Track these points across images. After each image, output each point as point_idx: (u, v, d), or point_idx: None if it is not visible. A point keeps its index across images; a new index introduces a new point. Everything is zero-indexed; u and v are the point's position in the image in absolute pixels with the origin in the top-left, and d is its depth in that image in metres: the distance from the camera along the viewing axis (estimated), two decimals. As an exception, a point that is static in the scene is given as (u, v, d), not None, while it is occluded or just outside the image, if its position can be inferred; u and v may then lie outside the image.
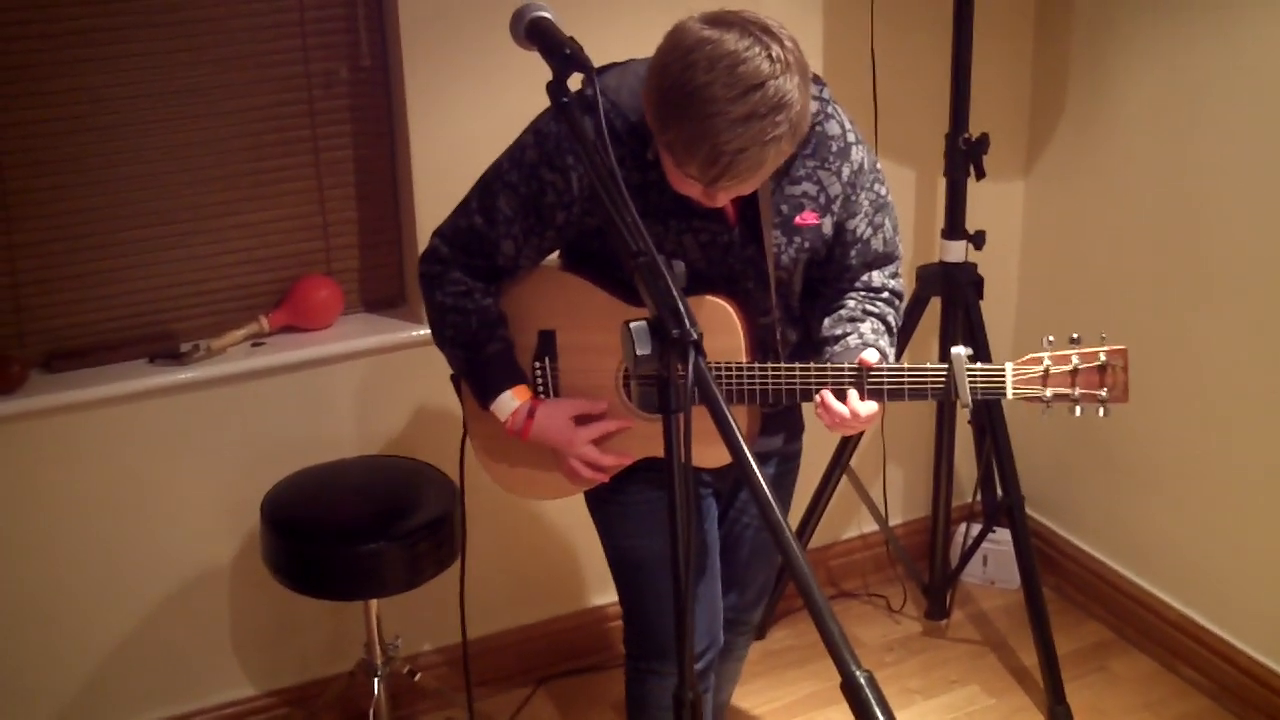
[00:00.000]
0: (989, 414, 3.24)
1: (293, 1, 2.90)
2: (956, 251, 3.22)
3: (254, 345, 3.00)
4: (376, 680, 2.93)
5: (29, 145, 2.77)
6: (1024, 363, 2.20)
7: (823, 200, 2.22)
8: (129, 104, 2.82)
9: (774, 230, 2.19)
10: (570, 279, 2.30)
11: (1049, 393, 2.21)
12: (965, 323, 3.22)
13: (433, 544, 2.73)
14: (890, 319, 2.32)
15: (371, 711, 2.92)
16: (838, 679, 1.37)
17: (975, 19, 3.09)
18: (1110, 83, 3.33)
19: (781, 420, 2.46)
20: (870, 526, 3.77)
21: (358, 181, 3.07)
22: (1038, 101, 3.58)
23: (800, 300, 2.34)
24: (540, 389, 2.34)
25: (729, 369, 2.21)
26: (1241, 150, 3.01)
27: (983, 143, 3.12)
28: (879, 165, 2.31)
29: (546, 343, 2.32)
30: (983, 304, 3.23)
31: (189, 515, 2.99)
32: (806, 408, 2.54)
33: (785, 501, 2.66)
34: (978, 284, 3.23)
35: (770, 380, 2.20)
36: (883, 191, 2.30)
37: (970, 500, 3.71)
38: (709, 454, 2.14)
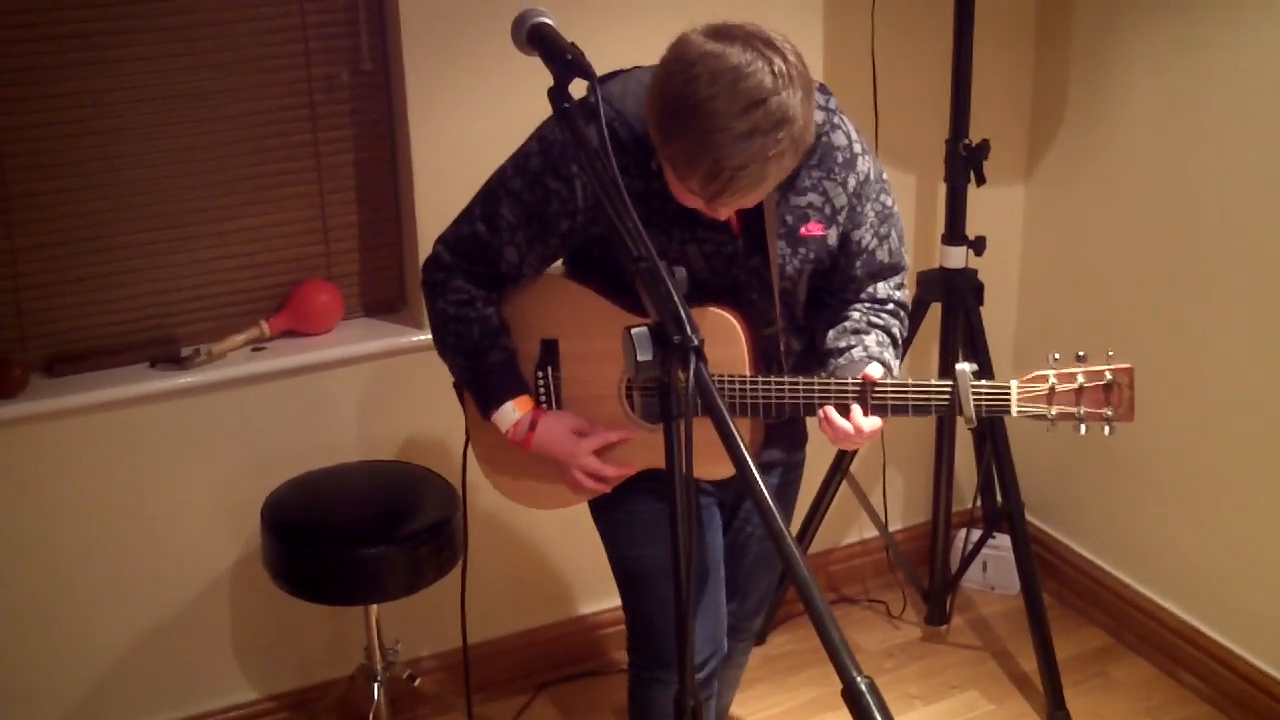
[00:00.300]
0: (989, 421, 3.24)
1: (294, 6, 2.90)
2: (957, 257, 3.22)
3: (255, 350, 3.00)
4: (376, 685, 2.92)
5: (31, 149, 2.77)
6: (1028, 380, 2.20)
7: (828, 211, 2.21)
8: (131, 108, 2.82)
9: (779, 241, 2.18)
10: (574, 287, 2.30)
11: (1054, 411, 2.20)
12: (965, 328, 3.22)
13: (433, 549, 2.73)
14: (895, 331, 2.32)
15: (371, 716, 2.92)
16: (838, 684, 1.37)
17: (976, 24, 3.09)
18: (1110, 88, 3.33)
19: (786, 430, 2.46)
20: (870, 532, 3.77)
21: (358, 186, 3.08)
22: (1038, 107, 3.58)
23: (805, 310, 2.34)
24: (542, 398, 2.34)
25: (731, 381, 2.20)
26: (1242, 155, 3.01)
27: (983, 148, 3.12)
28: (885, 175, 2.30)
29: (549, 351, 2.32)
30: (983, 310, 3.24)
31: (189, 519, 2.99)
32: (811, 419, 2.56)
33: (788, 511, 2.66)
34: (978, 290, 3.24)
35: (774, 394, 2.19)
36: (889, 202, 2.30)
37: (970, 506, 3.71)
38: (712, 468, 2.13)
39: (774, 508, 1.50)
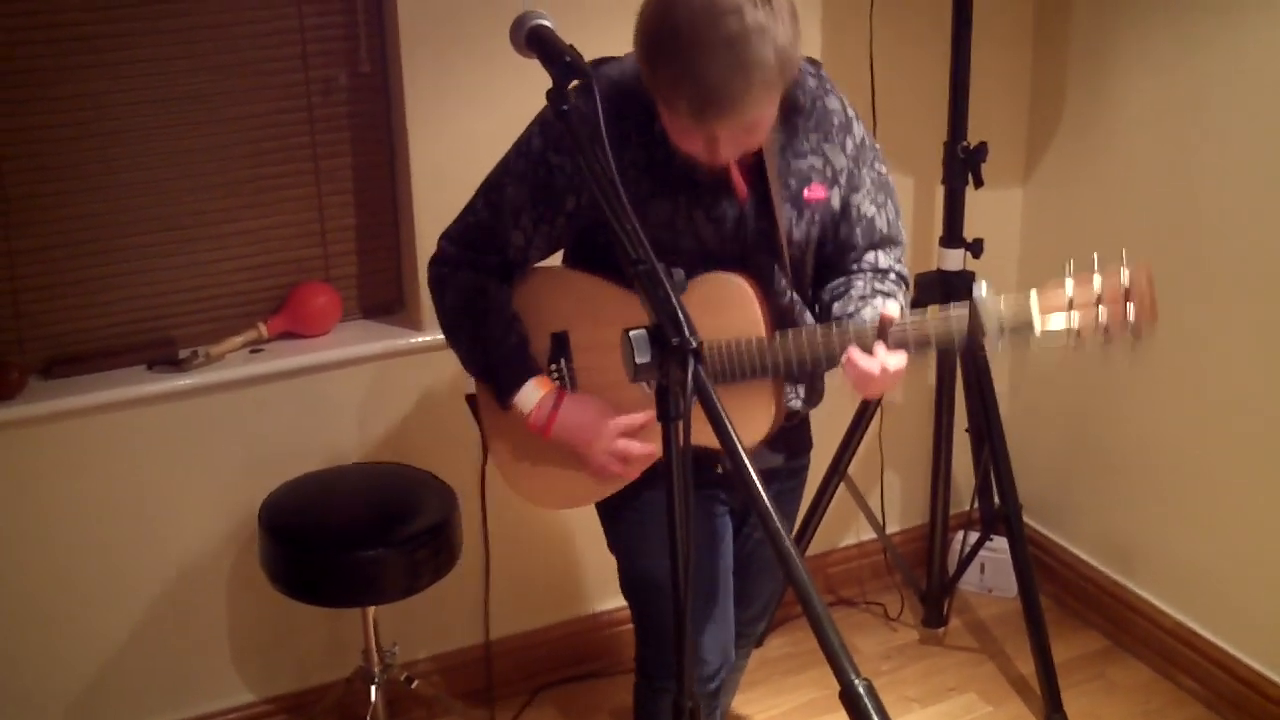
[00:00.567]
0: (987, 421, 3.25)
1: (293, 9, 2.90)
2: (954, 260, 3.22)
3: (253, 352, 3.01)
4: (374, 687, 2.92)
5: (30, 151, 2.77)
6: (1047, 290, 2.16)
7: (829, 174, 2.24)
8: (130, 110, 2.82)
9: (784, 205, 2.21)
10: (577, 277, 2.30)
11: (1076, 319, 2.14)
12: (963, 331, 3.22)
13: (431, 551, 2.73)
14: (899, 298, 2.32)
15: (368, 718, 2.92)
16: (836, 686, 1.37)
17: (974, 27, 3.09)
18: (1109, 90, 3.33)
19: (791, 435, 2.45)
20: (868, 534, 3.77)
21: (357, 188, 3.08)
22: (1036, 109, 3.58)
23: (812, 287, 2.35)
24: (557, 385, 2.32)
25: (750, 344, 2.19)
26: (1241, 156, 3.01)
27: (981, 151, 3.12)
28: (878, 146, 2.34)
29: (560, 345, 2.32)
30: (980, 312, 3.24)
31: (187, 521, 2.99)
32: (816, 423, 2.55)
33: (790, 515, 2.66)
34: (976, 292, 3.24)
35: (793, 349, 2.18)
36: (884, 170, 2.34)
37: (968, 508, 3.71)
38: (743, 432, 2.17)
39: (772, 510, 1.50)
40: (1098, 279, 2.14)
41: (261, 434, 3.00)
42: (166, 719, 3.09)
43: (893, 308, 2.17)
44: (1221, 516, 3.21)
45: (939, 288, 3.23)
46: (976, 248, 3.19)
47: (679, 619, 1.63)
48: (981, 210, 3.34)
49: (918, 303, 3.25)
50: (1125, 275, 2.14)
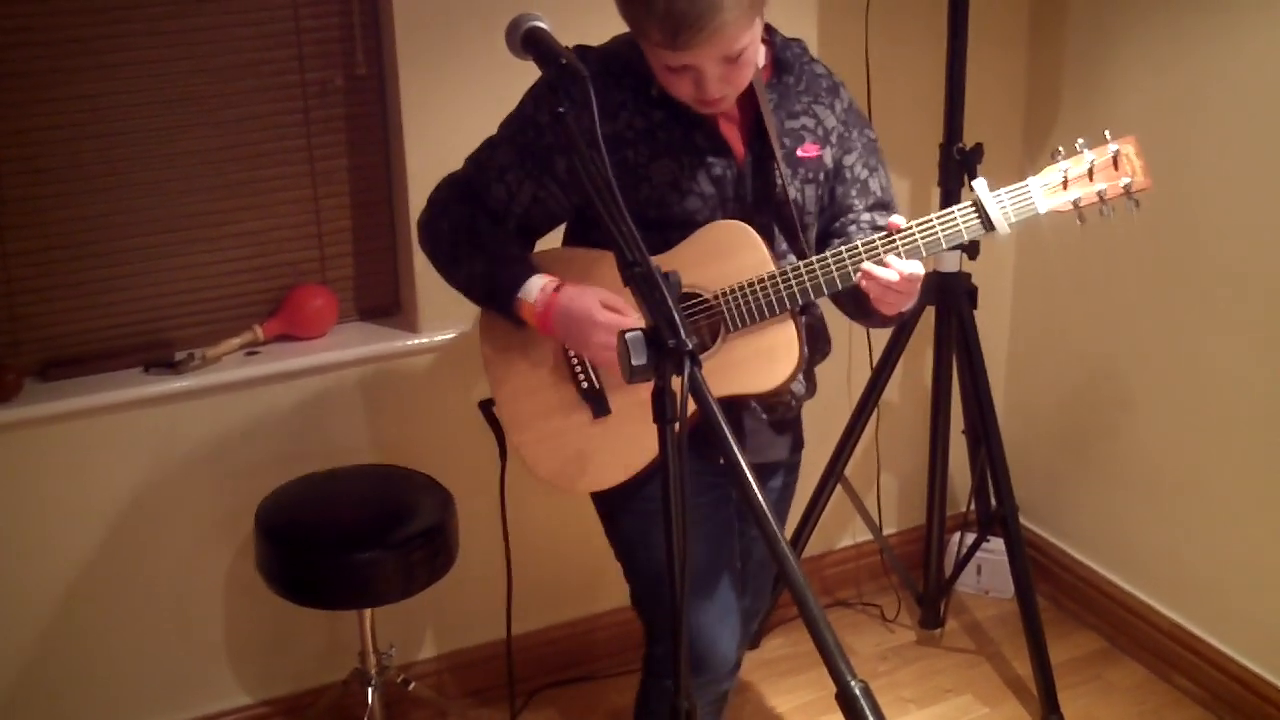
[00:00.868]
0: (983, 422, 3.25)
1: (289, 11, 2.90)
2: (951, 261, 3.22)
3: (249, 354, 3.00)
4: (370, 689, 2.92)
5: (26, 153, 2.77)
6: (1043, 174, 2.26)
7: (820, 133, 2.30)
8: (126, 112, 2.82)
9: (780, 164, 2.25)
10: (575, 252, 2.32)
11: (1076, 194, 2.26)
12: (959, 332, 3.23)
13: (427, 553, 2.73)
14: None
15: (366, 720, 2.93)
16: (833, 688, 1.37)
17: (970, 28, 3.10)
18: (1104, 91, 3.34)
19: (788, 428, 2.47)
20: (865, 535, 3.77)
21: (353, 190, 3.08)
22: (1032, 110, 3.59)
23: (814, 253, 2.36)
24: (579, 370, 2.31)
25: (763, 281, 2.21)
26: (1237, 158, 3.01)
27: (977, 152, 3.12)
28: (864, 115, 2.41)
29: None
30: (976, 313, 3.24)
31: (183, 523, 2.99)
32: (813, 424, 2.55)
33: (783, 513, 2.67)
34: (972, 293, 3.24)
35: (806, 277, 2.21)
36: (873, 135, 2.39)
37: (964, 509, 3.72)
38: (759, 379, 2.23)
39: (769, 511, 1.50)
40: (1089, 154, 2.27)
41: (258, 436, 3.00)
42: (163, 721, 3.10)
43: (899, 220, 2.21)
44: (1218, 517, 3.21)
45: (935, 289, 3.23)
46: (973, 249, 3.19)
47: (675, 623, 1.63)
48: (977, 212, 3.34)
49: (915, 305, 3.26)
50: (1113, 148, 2.27)
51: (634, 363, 1.62)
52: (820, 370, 2.50)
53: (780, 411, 2.39)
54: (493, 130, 2.33)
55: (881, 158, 2.41)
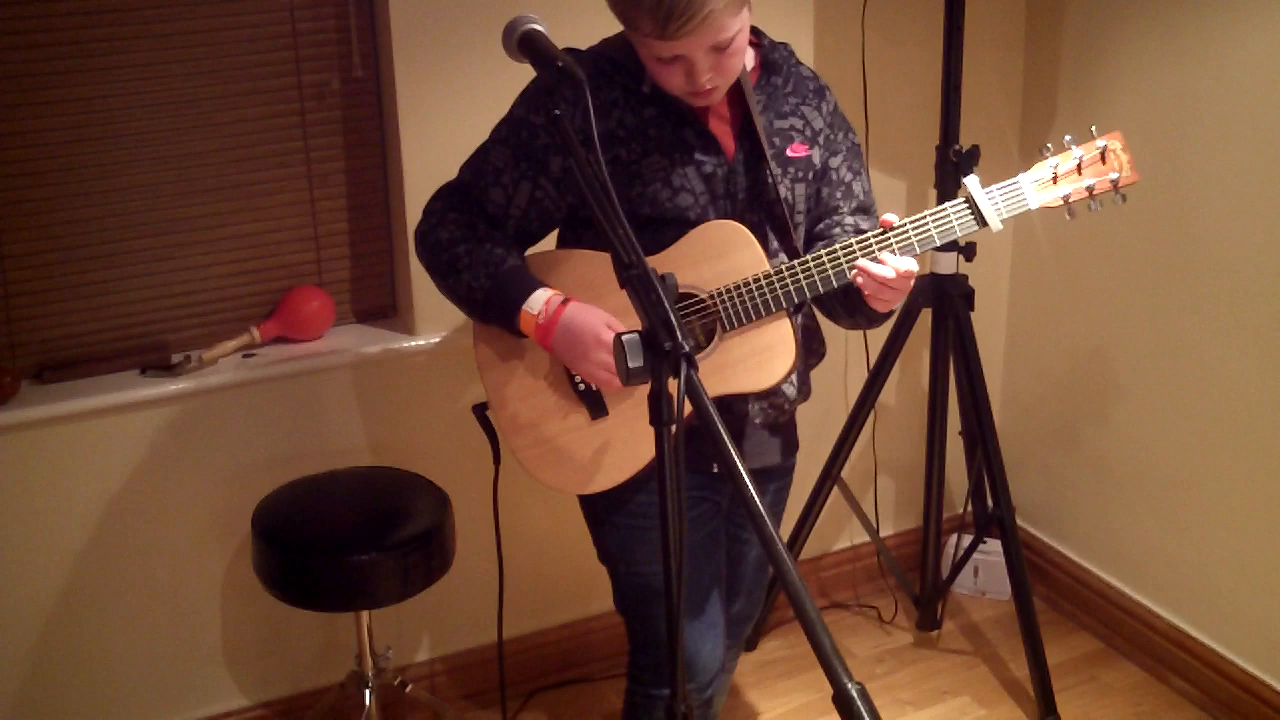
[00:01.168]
0: (980, 424, 3.25)
1: (285, 14, 2.90)
2: (947, 263, 3.22)
3: (245, 356, 3.00)
4: (367, 691, 2.92)
5: (22, 156, 2.77)
6: (1033, 171, 2.31)
7: (809, 133, 2.32)
8: (122, 115, 2.82)
9: (771, 162, 2.26)
10: (569, 254, 2.32)
11: (1066, 189, 2.31)
12: (956, 334, 3.23)
13: (423, 555, 2.72)
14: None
15: (362, 723, 2.92)
16: (830, 690, 1.37)
17: (966, 31, 3.10)
18: (1100, 93, 3.34)
19: (781, 433, 2.47)
20: (861, 537, 3.77)
21: (349, 193, 3.08)
22: (1028, 113, 3.59)
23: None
24: (577, 375, 2.29)
25: (758, 280, 2.22)
26: (1232, 160, 3.02)
27: (973, 155, 3.12)
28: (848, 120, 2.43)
29: None
30: (973, 315, 3.24)
31: (180, 526, 2.99)
32: (811, 426, 2.55)
33: (778, 516, 2.67)
34: (968, 296, 3.24)
35: (801, 275, 2.22)
36: (856, 140, 2.42)
37: (961, 511, 3.72)
38: (756, 377, 2.24)
39: (766, 514, 1.50)
40: (1077, 150, 2.32)
41: (254, 438, 3.00)
42: (160, 724, 3.10)
43: (892, 217, 2.23)
44: (1214, 518, 3.22)
45: (931, 291, 3.24)
46: (969, 251, 3.19)
47: (671, 624, 1.63)
48: (974, 214, 3.34)
49: (912, 307, 3.26)
50: (1101, 144, 2.32)
51: (630, 365, 1.62)
52: (817, 372, 2.50)
53: (773, 415, 2.39)
54: (486, 132, 2.33)
55: (864, 162, 2.43)
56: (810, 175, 2.33)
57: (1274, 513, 3.06)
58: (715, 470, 2.37)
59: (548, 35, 1.92)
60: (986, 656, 3.53)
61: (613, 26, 2.17)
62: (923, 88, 3.33)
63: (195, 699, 3.11)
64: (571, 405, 2.31)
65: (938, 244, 2.26)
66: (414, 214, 2.98)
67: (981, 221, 2.27)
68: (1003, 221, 2.28)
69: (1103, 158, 2.32)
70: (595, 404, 2.30)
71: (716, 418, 1.57)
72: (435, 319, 3.06)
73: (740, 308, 2.23)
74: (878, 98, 3.30)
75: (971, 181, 2.28)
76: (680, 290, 2.22)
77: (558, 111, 1.83)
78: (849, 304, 2.34)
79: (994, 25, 3.48)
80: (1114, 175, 2.32)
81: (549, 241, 2.40)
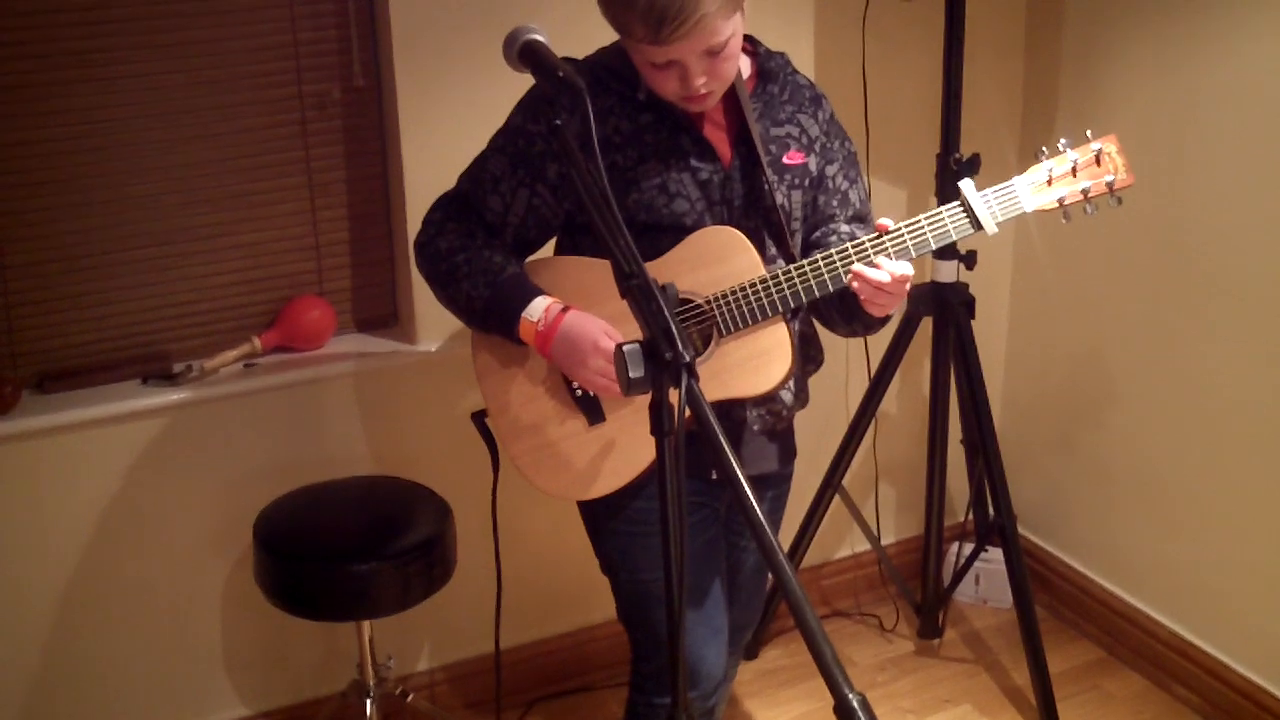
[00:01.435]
0: (981, 432, 3.25)
1: (286, 24, 2.90)
2: (948, 271, 3.22)
3: (247, 366, 3.00)
4: (369, 701, 2.92)
5: (23, 166, 2.77)
6: (1028, 173, 2.31)
7: (805, 141, 2.33)
8: (123, 125, 2.83)
9: (767, 169, 2.27)
10: (567, 261, 2.32)
11: (1061, 192, 2.31)
12: (957, 343, 3.23)
13: (425, 565, 2.72)
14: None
15: (364, 732, 2.92)
16: (831, 699, 1.37)
17: (966, 39, 3.10)
18: (1100, 100, 3.34)
19: (779, 441, 2.47)
20: (862, 546, 3.77)
21: (350, 202, 3.08)
22: (1029, 120, 3.59)
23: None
24: (575, 382, 2.29)
25: (754, 285, 2.23)
26: (1233, 166, 3.02)
27: (974, 162, 3.12)
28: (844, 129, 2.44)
29: None
30: (974, 324, 3.24)
31: (181, 535, 2.99)
32: (812, 434, 2.55)
33: (776, 523, 2.67)
34: (969, 304, 3.24)
35: (798, 280, 2.22)
36: (852, 148, 2.42)
37: (962, 519, 3.72)
38: (753, 381, 2.24)
39: (765, 522, 1.50)
40: (1072, 153, 2.32)
41: (255, 448, 3.00)
42: (161, 734, 3.09)
43: (888, 222, 2.23)
44: (1216, 526, 3.21)
45: (932, 300, 3.24)
46: (970, 259, 3.19)
47: (673, 631, 1.63)
48: (974, 222, 3.34)
49: (913, 315, 3.26)
50: (1095, 147, 2.33)
51: (631, 375, 1.62)
52: (817, 380, 2.50)
53: (771, 421, 2.39)
54: (485, 142, 2.34)
55: (860, 170, 2.43)
56: (807, 182, 2.33)
57: (1275, 519, 3.06)
58: (714, 477, 2.37)
59: (549, 45, 1.93)
60: (988, 665, 3.53)
61: (610, 35, 2.18)
62: (923, 95, 3.34)
63: (197, 708, 3.11)
64: (569, 411, 2.31)
65: (933, 247, 2.26)
66: (415, 223, 2.97)
67: (977, 225, 2.28)
68: (998, 224, 2.28)
69: (1098, 160, 2.33)
70: (592, 410, 2.31)
71: (717, 427, 1.57)
72: (436, 328, 3.06)
73: (737, 313, 2.23)
74: (878, 105, 3.30)
75: (966, 185, 2.29)
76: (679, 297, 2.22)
77: (558, 121, 1.83)
78: (845, 310, 2.34)
79: (994, 32, 3.48)
80: (1109, 178, 2.33)
81: (547, 248, 2.40)
